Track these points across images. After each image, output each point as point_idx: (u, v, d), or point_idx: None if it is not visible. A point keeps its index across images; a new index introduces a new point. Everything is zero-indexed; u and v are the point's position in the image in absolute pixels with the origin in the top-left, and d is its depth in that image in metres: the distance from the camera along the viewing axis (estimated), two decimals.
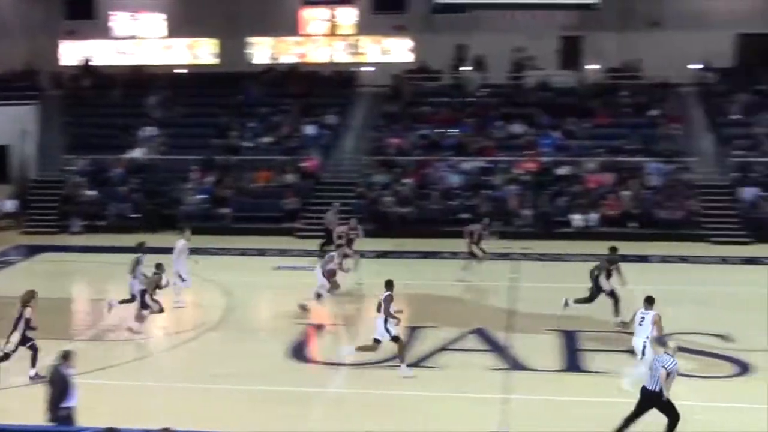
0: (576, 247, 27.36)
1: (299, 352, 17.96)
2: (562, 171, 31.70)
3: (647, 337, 14.93)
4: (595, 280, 19.46)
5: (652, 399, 12.65)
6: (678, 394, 15.47)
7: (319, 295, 20.46)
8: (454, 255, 25.07)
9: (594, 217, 29.82)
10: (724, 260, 26.30)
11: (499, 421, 14.12)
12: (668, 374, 12.54)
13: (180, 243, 21.25)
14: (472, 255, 23.62)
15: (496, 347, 18.08)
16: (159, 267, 19.27)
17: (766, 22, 35.69)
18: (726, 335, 18.58)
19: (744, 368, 16.74)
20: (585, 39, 36.87)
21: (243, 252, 27.96)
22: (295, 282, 22.77)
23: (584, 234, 29.07)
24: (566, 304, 19.55)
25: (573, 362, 17.39)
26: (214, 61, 39.68)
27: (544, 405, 15.01)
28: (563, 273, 24.74)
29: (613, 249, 19.86)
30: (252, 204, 31.80)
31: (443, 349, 17.92)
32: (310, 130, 34.39)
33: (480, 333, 18.93)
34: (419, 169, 32.41)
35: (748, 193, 29.93)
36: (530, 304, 21.40)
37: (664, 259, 26.49)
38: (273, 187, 32.38)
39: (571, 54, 37.28)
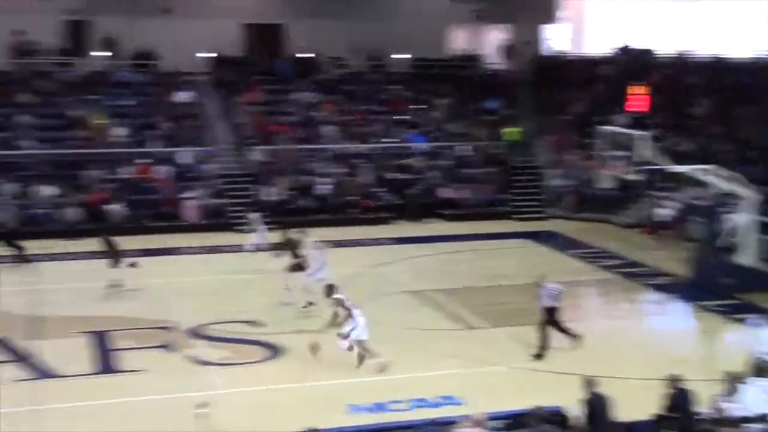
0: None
1: None
2: None
3: None
4: None
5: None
6: (215, 383, 15.59)
7: None
8: None
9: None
10: (212, 249, 26.42)
11: None
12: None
13: None
14: None
15: (20, 357, 16.63)
16: None
17: (270, 14, 36.98)
18: (255, 321, 18.96)
19: (276, 351, 17.19)
20: (93, 24, 35.32)
21: None
22: None
23: None
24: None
25: (106, 364, 16.59)
26: None
27: (75, 412, 14.20)
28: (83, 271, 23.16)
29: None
30: None
31: None
32: None
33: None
34: None
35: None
36: (55, 307, 20.09)
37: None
38: None
39: (78, 39, 35.55)
